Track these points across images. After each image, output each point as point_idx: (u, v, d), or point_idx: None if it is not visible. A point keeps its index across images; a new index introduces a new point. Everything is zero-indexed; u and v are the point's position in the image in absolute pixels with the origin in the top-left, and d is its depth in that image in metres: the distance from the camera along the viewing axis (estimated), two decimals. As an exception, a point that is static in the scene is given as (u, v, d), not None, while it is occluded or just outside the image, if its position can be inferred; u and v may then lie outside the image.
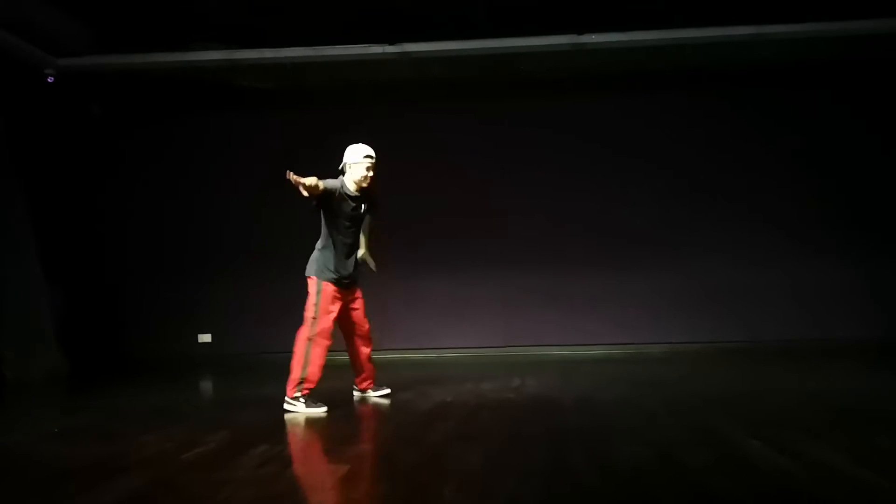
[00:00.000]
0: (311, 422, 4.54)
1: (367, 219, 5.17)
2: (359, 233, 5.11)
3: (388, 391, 5.42)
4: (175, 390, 6.44)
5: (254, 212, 8.73)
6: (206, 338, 8.78)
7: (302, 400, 4.84)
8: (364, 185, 4.95)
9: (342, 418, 4.73)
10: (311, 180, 4.64)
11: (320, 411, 4.78)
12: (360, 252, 5.19)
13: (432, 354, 8.32)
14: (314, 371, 4.87)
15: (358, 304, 5.14)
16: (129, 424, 4.62)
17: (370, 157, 4.95)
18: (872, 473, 2.99)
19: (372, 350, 5.34)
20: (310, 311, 4.96)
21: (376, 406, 5.13)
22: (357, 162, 4.94)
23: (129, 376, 7.60)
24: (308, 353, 4.90)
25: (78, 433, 4.44)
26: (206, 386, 7.13)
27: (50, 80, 7.41)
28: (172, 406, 5.45)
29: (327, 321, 4.93)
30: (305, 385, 4.85)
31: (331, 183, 4.87)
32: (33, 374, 7.20)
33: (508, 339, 8.50)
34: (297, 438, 3.97)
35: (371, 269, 5.28)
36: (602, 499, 2.81)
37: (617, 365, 7.28)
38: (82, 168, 8.71)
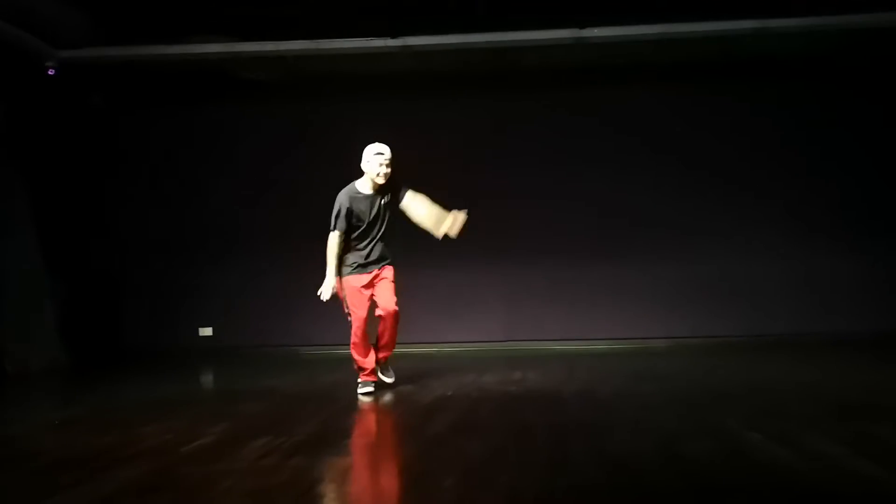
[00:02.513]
0: (311, 414, 4.54)
1: (405, 199, 5.24)
2: (384, 228, 5.19)
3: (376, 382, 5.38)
4: (176, 383, 6.44)
5: (255, 205, 8.73)
6: (207, 331, 8.78)
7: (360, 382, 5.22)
8: (379, 181, 5.09)
9: (343, 410, 4.73)
10: (332, 286, 5.08)
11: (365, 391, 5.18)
12: (442, 228, 5.27)
13: (433, 348, 8.32)
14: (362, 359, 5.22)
15: (379, 284, 5.20)
16: (130, 416, 4.62)
17: (380, 153, 5.09)
18: (873, 465, 2.98)
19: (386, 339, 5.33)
20: (344, 309, 5.18)
21: (378, 399, 5.11)
22: (368, 160, 5.10)
23: (130, 369, 7.60)
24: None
25: (78, 424, 4.45)
26: (207, 378, 7.13)
27: (51, 72, 7.39)
28: (173, 398, 5.45)
29: (359, 312, 5.11)
30: (363, 373, 5.24)
31: (339, 212, 5.10)
32: (33, 365, 7.20)
33: (510, 333, 8.49)
34: (297, 430, 3.96)
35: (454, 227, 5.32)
36: (602, 491, 2.80)
37: (619, 359, 7.28)
38: (83, 160, 8.69)
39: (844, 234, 8.29)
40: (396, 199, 5.23)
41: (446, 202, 8.29)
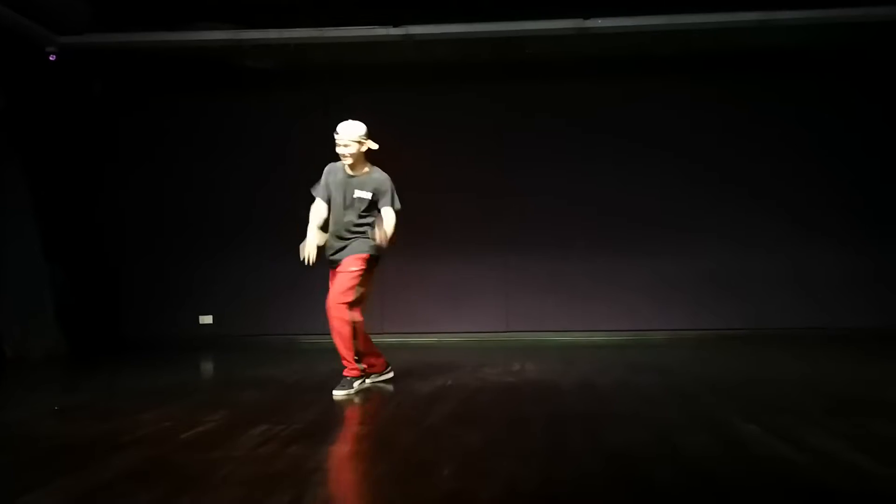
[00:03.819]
0: (309, 403, 4.54)
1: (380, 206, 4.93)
2: (354, 218, 4.88)
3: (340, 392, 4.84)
4: (175, 371, 6.45)
5: (255, 193, 8.71)
6: (206, 319, 8.78)
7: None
8: (345, 162, 4.87)
9: (342, 400, 4.73)
10: (309, 249, 4.86)
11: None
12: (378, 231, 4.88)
13: (433, 338, 8.33)
14: None
15: (338, 276, 4.89)
16: (129, 403, 4.63)
17: (335, 134, 4.82)
18: (870, 459, 2.99)
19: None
20: None
21: (377, 389, 5.11)
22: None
23: (129, 357, 7.61)
24: None
25: (78, 411, 4.45)
26: (207, 367, 7.14)
27: (52, 58, 7.38)
28: (172, 386, 5.46)
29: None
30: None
31: (321, 179, 5.02)
32: (33, 352, 7.21)
33: (509, 324, 8.50)
34: (296, 419, 3.97)
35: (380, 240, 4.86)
36: (600, 481, 2.81)
37: (618, 350, 7.28)
38: (83, 147, 8.67)
39: (843, 230, 8.27)
40: (376, 199, 4.89)
41: (447, 188, 8.39)
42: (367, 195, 4.89)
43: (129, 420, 4.02)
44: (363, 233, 4.91)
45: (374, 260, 4.94)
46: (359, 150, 4.84)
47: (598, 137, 8.51)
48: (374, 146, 4.94)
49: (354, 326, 4.84)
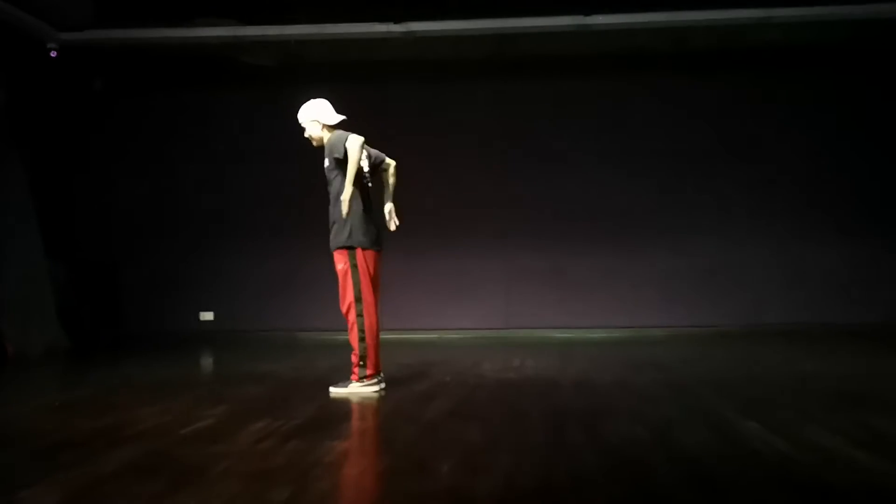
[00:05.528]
0: (309, 398, 4.55)
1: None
2: (331, 192, 4.68)
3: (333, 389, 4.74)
4: (175, 366, 6.46)
5: (256, 190, 8.73)
6: (207, 315, 8.80)
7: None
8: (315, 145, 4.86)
9: (340, 397, 4.73)
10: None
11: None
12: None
13: (433, 335, 8.34)
14: None
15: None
16: (129, 398, 4.64)
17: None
18: (868, 454, 2.99)
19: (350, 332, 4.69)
20: None
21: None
22: None
23: (130, 352, 7.61)
24: None
25: (78, 406, 4.46)
26: (207, 362, 7.15)
27: (53, 54, 7.39)
28: (173, 381, 5.46)
29: None
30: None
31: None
32: (34, 348, 7.22)
33: (509, 321, 8.51)
34: (296, 414, 3.97)
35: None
36: (599, 477, 2.81)
37: (617, 347, 7.29)
38: (85, 143, 8.68)
39: (842, 227, 8.29)
40: (333, 166, 4.63)
41: (447, 185, 8.39)
42: (327, 163, 4.69)
43: (129, 415, 4.02)
44: (339, 215, 4.58)
45: (353, 249, 4.57)
46: (319, 130, 4.82)
47: (598, 134, 8.53)
48: (331, 120, 4.80)
49: (361, 327, 4.62)
